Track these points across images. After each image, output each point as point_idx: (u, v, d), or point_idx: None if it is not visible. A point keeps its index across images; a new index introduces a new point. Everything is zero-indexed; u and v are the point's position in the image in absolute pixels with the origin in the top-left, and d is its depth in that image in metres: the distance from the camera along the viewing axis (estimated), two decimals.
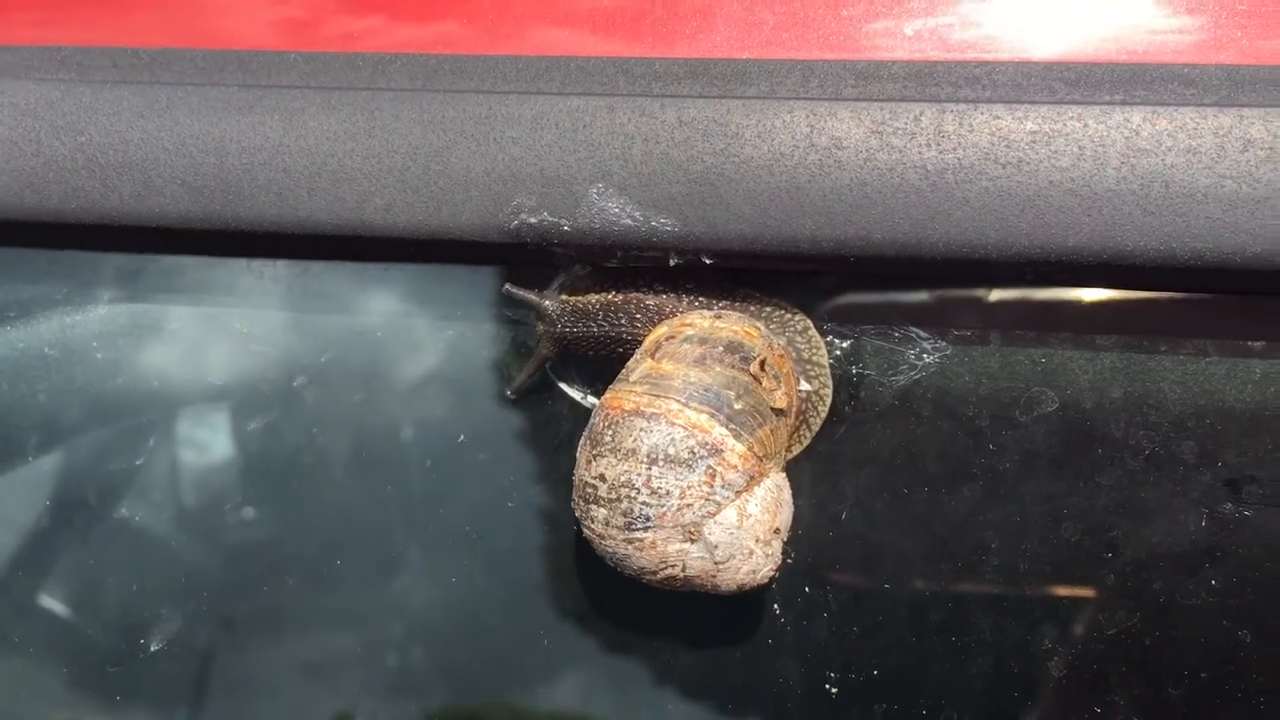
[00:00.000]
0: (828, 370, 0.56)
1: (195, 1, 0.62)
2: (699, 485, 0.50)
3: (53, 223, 0.56)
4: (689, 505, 0.50)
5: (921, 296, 0.57)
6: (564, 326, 0.57)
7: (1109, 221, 0.48)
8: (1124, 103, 0.49)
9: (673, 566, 0.51)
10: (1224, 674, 0.54)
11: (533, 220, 0.52)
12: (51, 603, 0.64)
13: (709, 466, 0.50)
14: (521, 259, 0.55)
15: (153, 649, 0.62)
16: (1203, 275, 0.49)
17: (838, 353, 0.57)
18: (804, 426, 0.57)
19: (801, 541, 0.56)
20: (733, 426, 0.50)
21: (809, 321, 0.57)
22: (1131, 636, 0.55)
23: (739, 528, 0.50)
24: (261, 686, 0.63)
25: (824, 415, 0.57)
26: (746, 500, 0.51)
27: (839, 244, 0.50)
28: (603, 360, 0.57)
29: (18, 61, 0.58)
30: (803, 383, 0.56)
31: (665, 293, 0.56)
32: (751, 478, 0.51)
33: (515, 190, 0.52)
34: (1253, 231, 0.47)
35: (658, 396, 0.51)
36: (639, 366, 0.53)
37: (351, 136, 0.53)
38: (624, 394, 0.52)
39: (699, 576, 0.51)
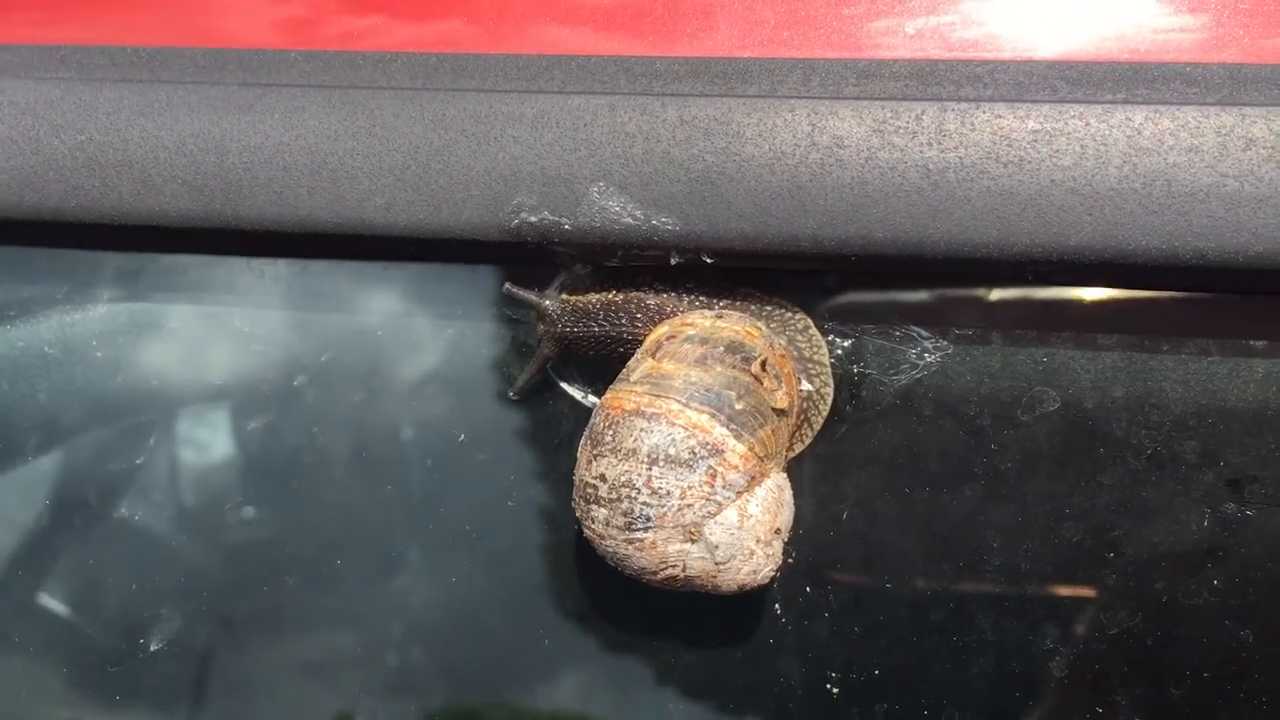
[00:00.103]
0: (829, 369, 0.56)
1: (195, 0, 0.62)
2: (700, 485, 0.50)
3: (52, 221, 0.56)
4: (690, 505, 0.50)
5: (923, 295, 0.57)
6: (564, 326, 0.57)
7: (1111, 220, 0.48)
8: (1126, 101, 0.49)
9: (673, 567, 0.51)
10: (1226, 674, 0.54)
11: (533, 219, 0.52)
12: (51, 602, 0.64)
13: (710, 467, 0.50)
14: (522, 258, 0.55)
15: (153, 649, 0.62)
16: (1205, 274, 0.49)
17: (839, 352, 0.57)
18: (805, 426, 0.57)
19: (803, 541, 0.56)
20: (734, 427, 0.50)
21: (810, 320, 0.57)
22: (1133, 636, 0.55)
23: (740, 528, 0.50)
24: (261, 686, 0.63)
25: (825, 414, 0.56)
26: (747, 501, 0.51)
27: (840, 243, 0.50)
28: (603, 360, 0.57)
29: (17, 60, 0.58)
30: (804, 382, 0.56)
31: (666, 292, 0.56)
32: (752, 478, 0.51)
33: (516, 189, 0.52)
34: (1255, 230, 0.47)
35: (658, 396, 0.50)
36: (640, 366, 0.53)
37: (352, 135, 0.53)
38: (625, 394, 0.52)
39: (699, 577, 0.51)
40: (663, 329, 0.55)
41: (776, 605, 0.57)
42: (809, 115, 0.50)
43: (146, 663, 0.62)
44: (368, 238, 0.54)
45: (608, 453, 0.51)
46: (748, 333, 0.53)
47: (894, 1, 0.54)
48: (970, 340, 0.56)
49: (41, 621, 0.64)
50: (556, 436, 0.60)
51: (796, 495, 0.54)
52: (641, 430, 0.50)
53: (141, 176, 0.55)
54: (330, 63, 0.56)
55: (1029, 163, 0.48)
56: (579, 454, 0.53)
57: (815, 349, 0.56)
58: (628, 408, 0.51)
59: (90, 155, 0.55)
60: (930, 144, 0.49)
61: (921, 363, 0.56)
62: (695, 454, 0.50)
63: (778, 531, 0.52)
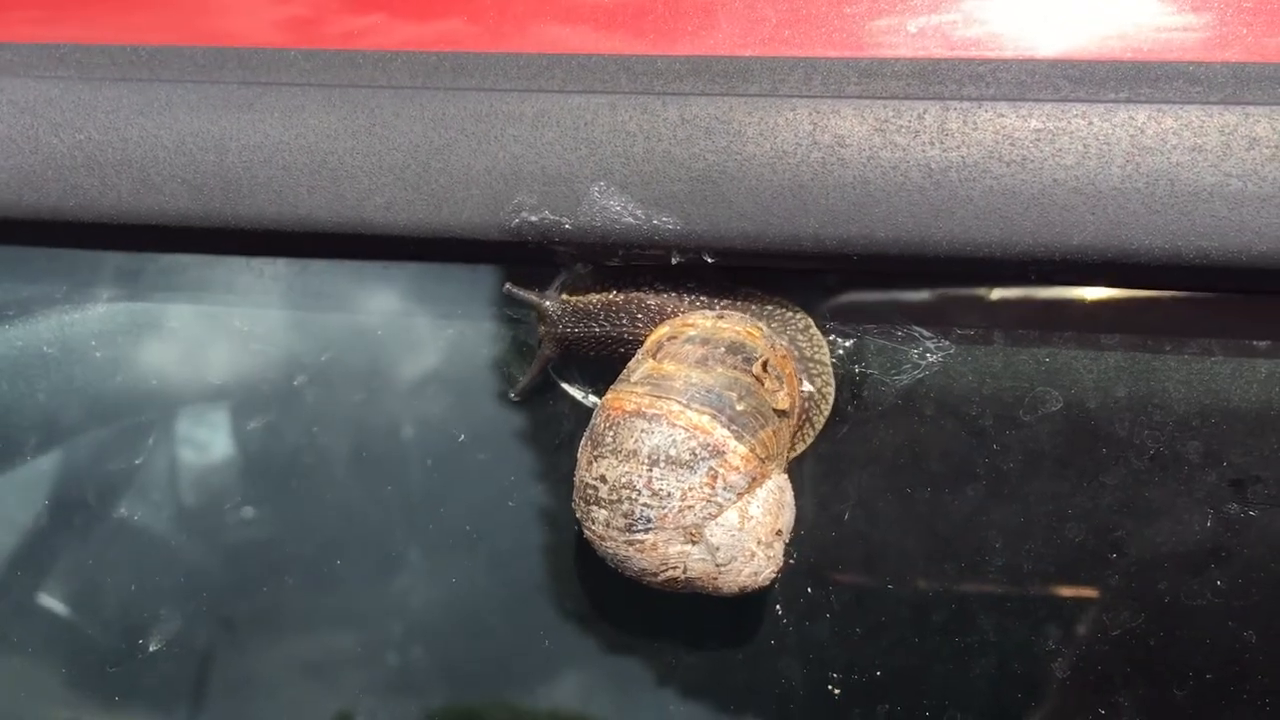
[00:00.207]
0: (830, 369, 0.56)
1: None
2: (700, 487, 0.49)
3: (51, 221, 0.56)
4: (690, 507, 0.49)
5: (925, 295, 0.57)
6: (565, 327, 0.57)
7: (1114, 220, 0.48)
8: (1129, 100, 0.49)
9: (674, 568, 0.51)
10: (1229, 675, 0.54)
11: (534, 218, 0.52)
12: (51, 602, 0.64)
13: (710, 468, 0.49)
14: (522, 258, 0.55)
15: (152, 649, 0.62)
16: (1208, 274, 0.49)
17: (840, 352, 0.57)
18: (807, 426, 0.56)
19: (804, 541, 0.56)
20: (735, 428, 0.50)
21: (811, 320, 0.57)
22: (1136, 637, 0.55)
23: (741, 530, 0.50)
24: (261, 686, 0.63)
25: (827, 415, 0.56)
26: (748, 502, 0.51)
27: (842, 242, 0.50)
28: (604, 360, 0.57)
29: (17, 59, 0.58)
30: (805, 383, 0.56)
31: (667, 292, 0.56)
32: (753, 479, 0.51)
33: (516, 188, 0.52)
34: (1258, 230, 0.47)
35: (659, 397, 0.50)
36: (640, 367, 0.53)
37: (352, 134, 0.53)
38: (625, 395, 0.52)
39: (700, 578, 0.51)
40: (664, 329, 0.55)
41: (778, 606, 0.57)
42: (810, 114, 0.50)
43: (146, 663, 0.62)
44: (368, 237, 0.54)
45: (608, 454, 0.50)
46: (749, 333, 0.53)
47: (896, 0, 0.54)
48: (972, 340, 0.56)
49: (41, 621, 0.64)
50: (557, 437, 0.60)
51: (798, 495, 0.54)
52: (642, 431, 0.50)
53: (141, 175, 0.55)
54: (330, 61, 0.55)
55: (1032, 162, 0.48)
56: (579, 455, 0.53)
57: (817, 349, 0.56)
58: (628, 408, 0.51)
59: (89, 154, 0.55)
60: (932, 143, 0.49)
61: (923, 363, 0.56)
62: (696, 455, 0.49)
63: (779, 533, 0.52)
